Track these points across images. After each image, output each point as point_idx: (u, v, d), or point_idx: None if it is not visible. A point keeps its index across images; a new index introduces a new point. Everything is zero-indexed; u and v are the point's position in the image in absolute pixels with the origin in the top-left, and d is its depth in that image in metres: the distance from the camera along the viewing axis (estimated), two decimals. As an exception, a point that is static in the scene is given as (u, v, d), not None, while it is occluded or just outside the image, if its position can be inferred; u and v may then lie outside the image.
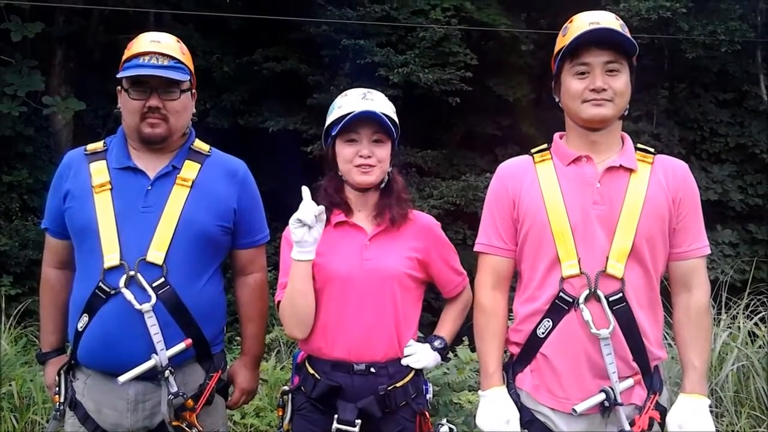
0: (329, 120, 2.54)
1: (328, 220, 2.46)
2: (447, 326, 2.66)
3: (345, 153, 2.48)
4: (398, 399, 2.45)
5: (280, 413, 2.57)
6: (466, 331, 2.84)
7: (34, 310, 6.61)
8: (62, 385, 2.53)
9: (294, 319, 2.45)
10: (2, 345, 5.46)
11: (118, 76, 2.49)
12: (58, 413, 2.50)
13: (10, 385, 4.86)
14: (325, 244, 2.43)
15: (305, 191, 2.38)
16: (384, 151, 2.49)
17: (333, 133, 2.50)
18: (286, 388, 2.59)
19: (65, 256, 2.60)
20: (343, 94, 2.60)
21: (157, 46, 2.50)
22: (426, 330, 2.78)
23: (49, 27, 11.06)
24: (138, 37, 2.57)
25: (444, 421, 2.56)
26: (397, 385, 2.46)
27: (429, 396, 2.59)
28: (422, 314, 2.61)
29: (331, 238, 2.48)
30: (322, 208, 2.36)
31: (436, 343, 2.57)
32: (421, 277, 2.56)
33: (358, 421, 2.37)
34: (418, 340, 2.56)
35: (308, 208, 2.33)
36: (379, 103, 2.52)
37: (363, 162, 2.45)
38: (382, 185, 2.55)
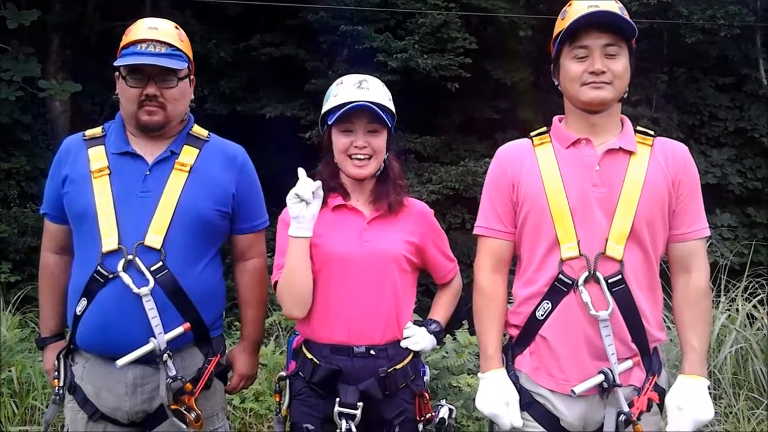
0: (325, 108, 2.53)
1: (325, 203, 2.46)
2: (441, 311, 2.67)
3: (340, 143, 2.48)
4: (398, 381, 2.46)
5: (278, 399, 2.57)
6: (466, 314, 2.85)
7: (33, 296, 6.62)
8: (61, 369, 2.53)
9: (292, 299, 2.44)
10: (2, 331, 5.46)
11: (115, 64, 2.47)
12: (58, 397, 2.51)
13: (10, 371, 4.87)
14: (324, 226, 2.43)
15: (301, 171, 2.38)
16: (380, 141, 2.48)
17: (329, 122, 2.49)
18: (282, 373, 2.59)
19: (64, 241, 2.60)
20: (339, 81, 2.57)
21: (155, 33, 2.48)
22: (425, 315, 2.79)
23: (46, 14, 11.00)
24: (136, 23, 2.55)
25: (443, 402, 2.58)
26: (397, 367, 2.46)
27: (426, 378, 2.61)
28: (422, 299, 2.61)
29: (330, 221, 2.48)
30: (318, 183, 2.36)
31: (432, 327, 2.58)
32: (416, 261, 2.57)
33: (360, 404, 2.38)
34: (414, 323, 2.57)
35: (305, 184, 2.34)
36: (374, 92, 2.50)
37: (358, 152, 2.45)
38: (378, 173, 2.54)
